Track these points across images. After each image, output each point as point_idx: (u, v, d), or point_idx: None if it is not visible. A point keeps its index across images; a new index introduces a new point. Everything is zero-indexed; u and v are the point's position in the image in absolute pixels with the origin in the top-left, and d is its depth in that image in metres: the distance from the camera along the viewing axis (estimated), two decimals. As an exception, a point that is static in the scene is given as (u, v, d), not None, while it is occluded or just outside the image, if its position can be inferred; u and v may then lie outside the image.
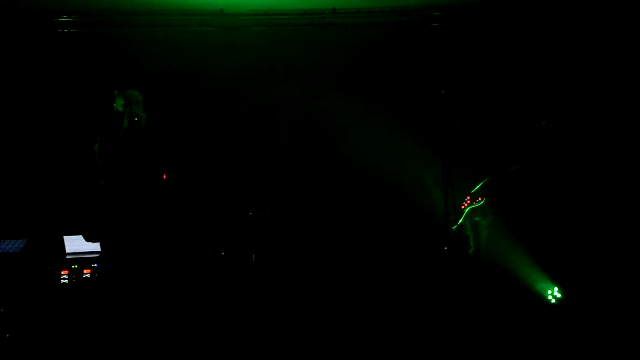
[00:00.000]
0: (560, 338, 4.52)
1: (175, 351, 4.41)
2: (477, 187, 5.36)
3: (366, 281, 5.59)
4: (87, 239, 4.97)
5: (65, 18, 5.49)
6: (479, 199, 5.34)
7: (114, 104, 4.51)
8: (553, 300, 5.30)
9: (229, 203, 5.84)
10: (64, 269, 5.00)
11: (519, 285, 5.42)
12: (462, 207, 5.34)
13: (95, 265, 5.05)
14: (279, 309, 5.15)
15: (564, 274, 5.39)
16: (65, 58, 5.67)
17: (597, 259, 5.49)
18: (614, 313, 4.81)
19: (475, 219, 5.44)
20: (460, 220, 5.28)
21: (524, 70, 5.88)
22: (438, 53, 5.88)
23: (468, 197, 5.34)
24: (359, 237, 5.92)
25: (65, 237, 5.21)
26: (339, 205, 6.01)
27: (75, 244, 5.22)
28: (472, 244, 5.50)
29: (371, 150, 5.90)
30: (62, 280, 4.98)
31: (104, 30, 5.59)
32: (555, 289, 5.32)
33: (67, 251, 5.19)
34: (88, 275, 5.03)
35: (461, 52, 5.89)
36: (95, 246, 5.08)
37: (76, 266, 5.02)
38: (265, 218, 5.62)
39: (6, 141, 5.65)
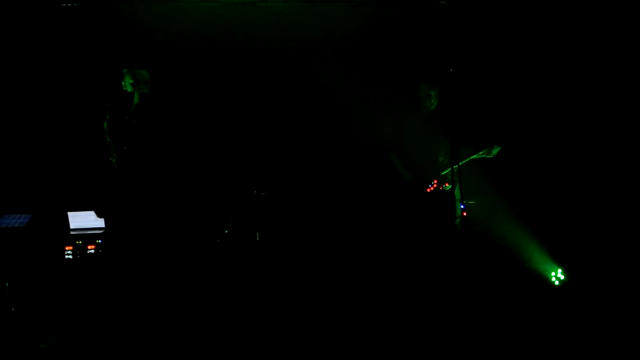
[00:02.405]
0: (564, 321, 4.52)
1: (177, 329, 4.44)
2: (447, 170, 5.00)
3: (369, 259, 5.60)
4: (99, 215, 4.98)
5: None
6: (446, 184, 5.03)
7: (123, 83, 4.53)
8: (557, 283, 5.29)
9: (233, 181, 5.83)
10: (68, 245, 5.03)
11: (522, 267, 5.42)
12: (428, 190, 5.10)
13: (100, 241, 5.07)
14: (282, 289, 5.16)
15: (568, 255, 5.38)
16: (70, 33, 5.63)
17: (602, 240, 5.48)
18: (619, 295, 4.81)
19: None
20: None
21: (532, 51, 5.81)
22: (446, 31, 5.82)
23: (435, 181, 5.08)
24: (362, 215, 5.92)
25: (69, 213, 5.23)
26: (343, 184, 6.00)
27: (79, 220, 5.25)
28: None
29: (378, 128, 5.88)
30: (67, 256, 5.01)
31: (108, 5, 5.54)
32: (559, 270, 5.31)
33: (71, 227, 5.22)
34: (92, 251, 5.06)
35: (469, 30, 5.83)
36: (100, 222, 5.12)
37: (80, 242, 5.06)
38: (269, 196, 5.62)
39: (12, 117, 5.64)
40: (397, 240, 5.53)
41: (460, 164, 4.91)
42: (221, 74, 5.89)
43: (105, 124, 4.49)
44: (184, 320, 4.56)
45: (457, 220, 5.15)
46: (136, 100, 4.45)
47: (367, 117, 5.82)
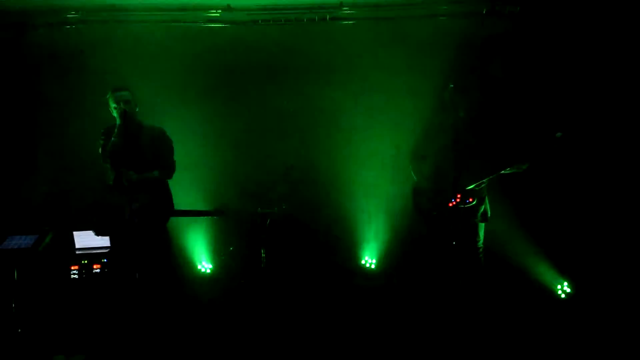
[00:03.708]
0: (570, 334, 4.52)
1: (180, 346, 4.45)
2: (472, 185, 4.75)
3: (377, 277, 5.61)
4: (97, 234, 5.02)
5: (72, 14, 5.54)
6: (470, 199, 4.76)
7: (109, 107, 4.61)
8: (563, 295, 5.28)
9: (238, 198, 5.85)
10: (74, 265, 5.05)
11: (528, 280, 5.41)
12: (450, 205, 4.73)
13: (105, 260, 5.10)
14: (288, 305, 5.17)
15: (574, 268, 5.37)
16: (73, 55, 5.70)
17: (607, 252, 5.46)
18: (625, 308, 4.79)
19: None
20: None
21: (535, 63, 5.82)
22: (445, 47, 5.85)
23: (459, 195, 4.73)
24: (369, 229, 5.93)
25: (75, 233, 5.25)
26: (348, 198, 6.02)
27: (84, 239, 5.26)
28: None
29: (379, 145, 5.90)
30: (72, 276, 5.04)
31: (111, 27, 5.61)
32: (565, 283, 5.30)
33: (77, 247, 5.24)
34: (98, 270, 5.08)
35: (469, 46, 5.85)
36: (105, 241, 5.14)
37: (86, 261, 5.08)
38: (274, 213, 5.63)
39: (17, 139, 5.70)
40: (409, 256, 5.53)
41: (488, 179, 4.76)
42: (223, 92, 5.94)
43: (99, 150, 4.60)
44: (189, 338, 4.57)
45: (480, 243, 4.98)
46: (118, 121, 4.54)
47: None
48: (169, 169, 4.80)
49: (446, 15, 5.61)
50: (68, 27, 5.61)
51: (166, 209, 4.81)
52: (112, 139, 4.52)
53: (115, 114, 4.56)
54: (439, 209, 4.82)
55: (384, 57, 5.87)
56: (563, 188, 5.79)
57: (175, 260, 5.56)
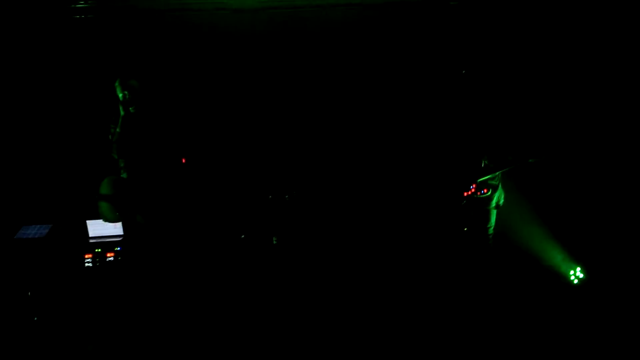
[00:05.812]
0: (583, 319, 4.50)
1: (194, 334, 4.49)
2: (487, 177, 4.91)
3: (387, 264, 5.60)
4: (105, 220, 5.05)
5: (82, 4, 5.52)
6: (485, 190, 4.91)
7: (117, 96, 4.61)
8: (575, 281, 5.26)
9: (249, 185, 5.86)
10: (88, 253, 5.09)
11: (541, 266, 5.40)
12: (465, 194, 4.92)
13: (119, 248, 5.13)
14: (299, 293, 5.18)
15: (587, 254, 5.34)
16: (83, 45, 5.69)
17: (621, 237, 5.43)
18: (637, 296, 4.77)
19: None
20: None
21: (547, 52, 5.76)
22: (457, 32, 5.79)
23: (474, 185, 4.91)
24: (379, 217, 5.91)
25: (88, 222, 5.29)
26: (358, 187, 6.01)
27: (98, 228, 5.29)
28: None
29: (388, 133, 5.87)
30: (86, 264, 5.07)
31: (121, 16, 5.60)
32: (578, 269, 5.27)
33: (90, 235, 5.27)
34: (111, 258, 5.11)
35: (481, 31, 5.79)
36: (118, 230, 5.17)
37: (99, 250, 5.11)
38: (285, 200, 5.63)
39: (30, 128, 5.72)
40: (419, 243, 5.53)
41: (502, 171, 4.94)
42: (236, 80, 5.92)
43: (110, 136, 4.61)
44: (201, 326, 4.60)
45: (491, 230, 5.12)
46: (122, 112, 4.54)
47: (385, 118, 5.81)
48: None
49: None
50: (77, 17, 5.60)
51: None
52: (117, 129, 4.53)
53: (120, 99, 4.56)
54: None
55: (395, 41, 5.84)
56: (576, 175, 5.75)
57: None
